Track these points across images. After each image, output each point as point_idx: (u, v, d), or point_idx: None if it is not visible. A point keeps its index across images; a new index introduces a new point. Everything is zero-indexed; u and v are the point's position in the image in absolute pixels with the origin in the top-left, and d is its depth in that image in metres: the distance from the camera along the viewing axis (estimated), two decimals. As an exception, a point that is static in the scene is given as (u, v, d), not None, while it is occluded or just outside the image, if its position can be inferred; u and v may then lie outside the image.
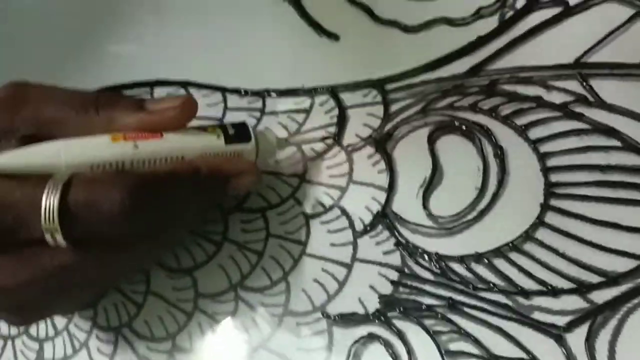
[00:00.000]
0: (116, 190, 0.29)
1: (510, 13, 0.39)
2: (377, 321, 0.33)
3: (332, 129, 0.39)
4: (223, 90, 0.43)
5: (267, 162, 0.38)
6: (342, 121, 0.39)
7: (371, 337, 0.33)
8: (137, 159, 0.32)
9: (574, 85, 0.36)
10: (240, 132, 0.35)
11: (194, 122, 0.35)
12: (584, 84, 0.35)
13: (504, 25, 0.39)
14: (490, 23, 0.39)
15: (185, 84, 0.45)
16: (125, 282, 0.39)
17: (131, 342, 0.38)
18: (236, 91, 0.43)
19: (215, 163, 0.34)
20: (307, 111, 0.41)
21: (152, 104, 0.33)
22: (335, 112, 0.40)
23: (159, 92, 0.45)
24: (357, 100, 0.40)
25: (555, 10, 0.38)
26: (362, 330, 0.33)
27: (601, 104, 0.34)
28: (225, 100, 0.43)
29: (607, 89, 0.35)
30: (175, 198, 0.33)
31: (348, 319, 0.34)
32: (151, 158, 0.32)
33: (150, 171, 0.32)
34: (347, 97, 0.40)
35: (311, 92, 0.41)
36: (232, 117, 0.42)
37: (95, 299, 0.40)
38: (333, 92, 0.40)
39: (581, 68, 0.36)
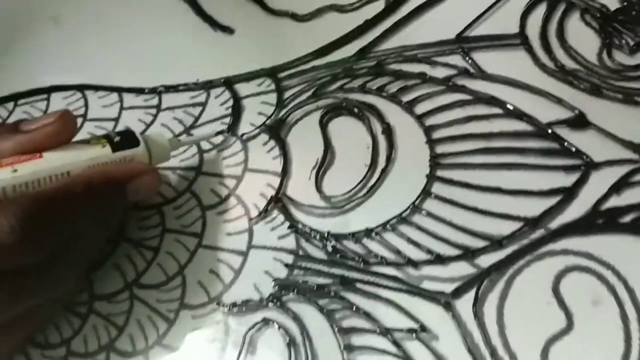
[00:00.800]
0: (2, 218, 0.27)
1: (396, -4, 0.40)
2: (271, 305, 0.32)
3: (228, 120, 0.39)
4: (119, 90, 0.43)
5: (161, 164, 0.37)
6: (237, 111, 0.39)
7: (266, 322, 0.32)
8: (18, 183, 0.29)
9: (456, 60, 0.36)
10: (126, 139, 0.33)
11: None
12: (466, 57, 0.36)
13: (390, 8, 0.39)
14: (377, 7, 0.40)
15: (81, 87, 0.44)
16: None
17: (25, 350, 0.36)
18: (132, 90, 0.42)
19: (105, 171, 0.32)
20: (203, 104, 0.40)
21: (27, 125, 0.31)
22: (230, 103, 0.40)
23: (56, 97, 0.45)
24: (251, 90, 0.40)
25: (438, -10, 0.39)
26: (258, 316, 0.32)
27: (482, 75, 0.35)
28: (121, 100, 0.43)
29: (488, 60, 0.36)
30: (71, 212, 0.30)
31: (243, 307, 0.33)
32: (34, 179, 0.30)
33: (37, 191, 0.30)
34: (241, 88, 0.40)
35: (206, 85, 0.41)
36: (128, 116, 0.42)
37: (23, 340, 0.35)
38: (228, 83, 0.40)
39: (462, 42, 0.36)
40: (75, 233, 0.31)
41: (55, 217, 0.30)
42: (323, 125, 0.37)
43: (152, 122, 0.41)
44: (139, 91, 0.42)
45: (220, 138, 0.38)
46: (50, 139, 0.31)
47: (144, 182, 0.33)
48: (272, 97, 0.39)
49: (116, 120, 0.42)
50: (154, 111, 0.41)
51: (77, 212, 0.31)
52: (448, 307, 0.29)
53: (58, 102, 0.45)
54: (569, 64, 0.34)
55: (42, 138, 0.31)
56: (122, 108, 0.42)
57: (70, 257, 0.32)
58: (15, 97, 0.46)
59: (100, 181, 0.31)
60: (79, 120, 0.43)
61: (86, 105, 0.44)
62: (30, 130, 0.31)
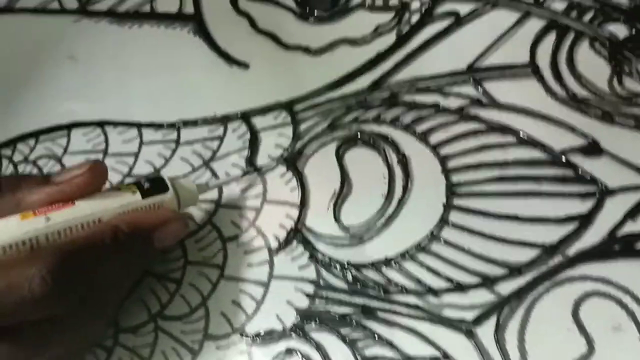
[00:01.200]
0: (34, 268, 0.27)
1: (407, 28, 0.41)
2: (294, 335, 0.33)
3: (245, 153, 0.40)
4: (138, 125, 0.44)
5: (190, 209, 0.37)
6: (254, 144, 0.40)
7: (289, 352, 0.32)
8: (51, 232, 0.30)
9: (468, 90, 0.37)
10: (156, 185, 0.34)
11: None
12: (478, 87, 0.37)
13: (401, 40, 0.40)
14: (389, 40, 0.41)
15: (101, 124, 0.45)
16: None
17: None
18: (151, 125, 0.43)
19: (134, 218, 0.32)
20: (221, 138, 0.41)
21: (58, 176, 0.32)
22: (248, 136, 0.41)
23: (76, 133, 0.46)
24: (268, 122, 0.41)
25: (448, 22, 0.40)
26: (281, 346, 0.33)
27: (494, 104, 0.36)
28: (140, 135, 0.44)
29: (500, 89, 0.36)
30: (100, 262, 0.31)
31: (266, 337, 0.33)
32: (66, 227, 0.30)
33: (67, 241, 0.30)
34: (258, 121, 0.41)
35: (224, 119, 0.42)
36: (148, 151, 0.43)
37: None
38: (245, 117, 0.41)
39: (474, 72, 0.37)
40: (103, 282, 0.31)
41: (85, 267, 0.30)
42: (339, 157, 0.38)
43: (171, 156, 0.42)
44: (158, 126, 0.43)
45: (238, 171, 0.39)
46: (80, 190, 0.32)
47: (171, 230, 0.33)
48: (289, 130, 0.40)
49: (136, 155, 0.43)
50: (173, 145, 0.42)
51: (105, 262, 0.31)
52: (470, 334, 0.30)
53: (78, 138, 0.46)
54: (580, 91, 0.35)
55: (73, 189, 0.32)
56: (141, 143, 0.43)
57: (96, 305, 0.32)
58: (36, 134, 0.47)
59: (128, 230, 0.31)
60: (100, 156, 0.44)
61: (106, 140, 0.45)
62: (61, 181, 0.32)
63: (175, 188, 0.35)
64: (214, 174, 0.40)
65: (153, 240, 0.33)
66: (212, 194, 0.39)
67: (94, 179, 0.32)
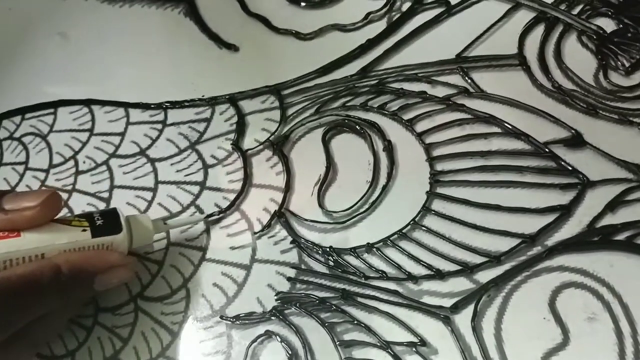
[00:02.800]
0: None
1: (397, 16, 0.40)
2: (274, 318, 0.33)
3: (232, 136, 0.40)
4: (125, 105, 0.44)
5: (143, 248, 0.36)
6: (241, 127, 0.40)
7: (269, 335, 0.33)
8: None
9: (456, 79, 0.37)
10: (109, 222, 0.32)
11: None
12: (465, 77, 0.37)
13: (391, 28, 0.40)
14: (379, 27, 0.41)
15: (88, 102, 0.45)
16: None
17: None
18: (138, 105, 0.43)
19: (78, 259, 0.31)
20: (208, 120, 0.41)
21: (10, 203, 0.30)
22: (235, 119, 0.40)
23: (62, 111, 0.45)
24: (255, 106, 0.41)
25: (438, 11, 0.40)
26: (261, 329, 0.33)
27: (481, 95, 0.36)
28: (127, 115, 0.43)
29: (487, 79, 0.36)
30: (36, 299, 0.30)
31: (246, 320, 0.33)
32: (7, 259, 0.29)
33: (3, 275, 0.29)
34: (246, 105, 0.41)
35: (211, 102, 0.42)
36: (134, 131, 0.43)
37: None
38: (232, 100, 0.41)
39: (462, 62, 0.37)
40: (37, 317, 0.30)
41: (20, 302, 0.29)
42: (325, 142, 0.38)
43: (157, 137, 0.42)
44: (145, 107, 0.43)
45: (222, 152, 0.39)
46: (29, 223, 0.30)
47: (114, 275, 0.32)
48: (276, 114, 0.40)
49: (122, 135, 0.43)
50: (159, 126, 0.42)
51: (41, 299, 0.30)
52: (447, 321, 0.30)
53: (65, 116, 0.45)
54: (566, 84, 0.35)
55: (22, 220, 0.30)
56: (128, 123, 0.43)
57: (27, 338, 0.31)
58: (22, 111, 0.46)
59: (69, 272, 0.30)
60: (86, 135, 0.44)
61: (93, 119, 0.44)
62: (11, 209, 0.30)
63: (130, 226, 0.33)
64: (200, 156, 0.40)
65: (94, 284, 0.32)
66: (197, 176, 0.39)
67: (45, 213, 0.31)
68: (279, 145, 0.38)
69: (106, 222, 0.32)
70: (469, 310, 0.30)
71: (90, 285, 0.32)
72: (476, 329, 0.30)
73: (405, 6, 0.41)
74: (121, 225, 0.33)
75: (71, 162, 0.43)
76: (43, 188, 0.41)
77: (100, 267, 0.32)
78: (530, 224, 0.31)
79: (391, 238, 0.33)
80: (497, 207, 0.32)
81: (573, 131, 0.33)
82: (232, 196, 0.38)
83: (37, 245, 0.30)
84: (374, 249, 0.33)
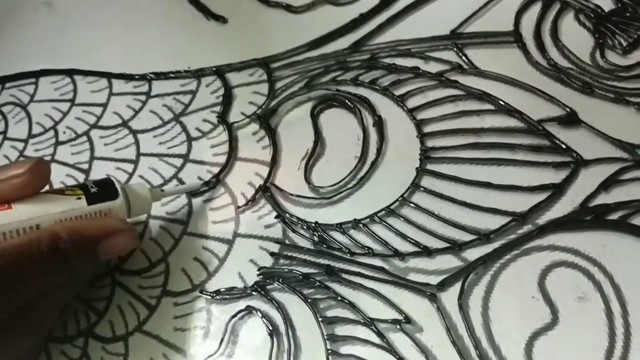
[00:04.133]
0: None
1: (391, -10, 0.39)
2: (255, 294, 0.32)
3: (218, 108, 0.39)
4: (109, 76, 0.42)
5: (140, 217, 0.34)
6: (227, 100, 0.39)
7: (250, 311, 0.31)
8: None
9: (450, 55, 0.36)
10: (104, 190, 0.31)
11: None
12: (459, 53, 0.36)
13: (385, 2, 0.39)
14: (372, 1, 0.40)
15: (70, 72, 0.44)
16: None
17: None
18: (122, 76, 0.42)
19: (76, 225, 0.29)
20: (194, 92, 0.40)
21: None
22: (221, 92, 0.39)
23: (44, 81, 0.44)
24: (243, 79, 0.39)
25: (433, -14, 0.39)
26: (241, 304, 0.32)
27: (475, 71, 0.35)
28: (110, 86, 0.42)
29: (481, 56, 0.36)
30: (36, 272, 0.28)
31: (226, 295, 0.32)
32: (0, 232, 0.28)
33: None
34: (233, 77, 0.40)
35: (197, 73, 0.40)
36: (117, 102, 0.41)
37: None
38: (219, 72, 0.40)
39: (456, 38, 0.36)
40: (39, 292, 0.29)
41: (18, 276, 0.27)
42: (314, 117, 0.37)
43: (140, 109, 0.40)
44: (129, 77, 0.42)
45: (208, 125, 0.38)
46: (19, 192, 0.29)
47: (117, 242, 0.30)
48: (264, 87, 0.39)
49: (104, 106, 0.41)
50: (143, 98, 0.41)
51: (41, 272, 0.28)
52: (433, 299, 0.29)
53: (46, 86, 0.44)
54: (562, 62, 0.34)
55: (11, 190, 0.28)
56: (111, 94, 0.42)
57: (32, 319, 0.29)
58: (2, 80, 0.45)
59: (69, 239, 0.29)
60: (67, 105, 0.42)
61: (75, 90, 0.43)
62: None
63: (126, 194, 0.32)
64: (184, 129, 0.39)
65: (97, 252, 0.30)
66: (181, 149, 0.38)
67: (34, 180, 0.29)
68: (266, 119, 0.37)
69: (101, 189, 0.31)
70: (455, 288, 0.29)
71: (93, 253, 0.30)
72: (463, 307, 0.29)
73: (400, -19, 0.40)
74: (117, 191, 0.31)
75: (51, 133, 0.42)
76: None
77: (102, 232, 0.30)
78: (522, 202, 0.31)
79: (378, 214, 0.32)
80: (488, 185, 0.31)
81: (568, 109, 0.32)
82: (216, 169, 0.37)
83: (30, 217, 0.28)
84: (361, 225, 0.32)
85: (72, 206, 0.30)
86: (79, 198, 0.30)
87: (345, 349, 0.29)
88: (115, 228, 0.30)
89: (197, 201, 0.36)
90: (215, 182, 0.36)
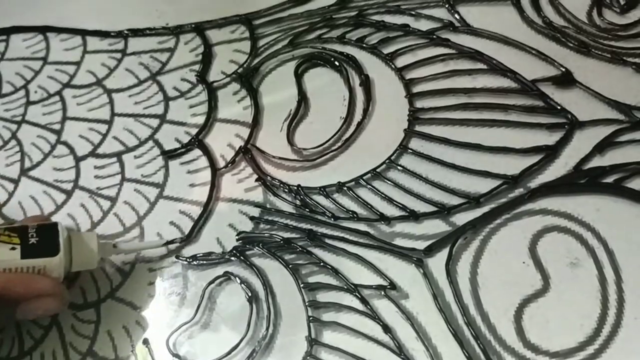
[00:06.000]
0: None
1: (381, -55, 0.37)
2: (234, 259, 0.30)
3: (197, 67, 0.37)
4: (83, 33, 0.40)
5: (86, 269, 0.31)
6: (207, 59, 0.37)
7: (228, 277, 0.30)
8: None
9: (441, 13, 0.34)
10: (45, 241, 0.28)
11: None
12: (451, 10, 0.34)
13: (374, -43, 0.37)
14: (361, -44, 0.38)
15: (43, 29, 0.41)
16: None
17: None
18: (97, 33, 0.40)
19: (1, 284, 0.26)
20: (172, 50, 0.38)
21: None
22: (201, 49, 0.37)
23: (15, 39, 0.42)
24: (224, 37, 0.38)
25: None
26: (219, 270, 0.30)
27: (467, 29, 0.33)
28: (85, 44, 0.40)
29: (474, 14, 0.34)
30: None
31: (203, 260, 0.31)
32: None
33: None
34: (213, 34, 0.38)
35: (176, 30, 0.38)
36: (91, 60, 0.39)
37: None
38: (199, 29, 0.38)
39: (448, -5, 0.35)
40: None
41: None
42: (298, 76, 0.35)
43: (115, 67, 0.38)
44: (104, 35, 0.40)
45: (186, 84, 0.36)
46: None
47: (39, 306, 0.27)
48: (246, 45, 0.37)
49: (78, 64, 0.39)
50: (118, 55, 0.39)
51: None
52: (420, 264, 0.28)
53: (18, 43, 0.42)
54: (558, 21, 0.33)
55: None
56: (85, 52, 0.40)
57: None
58: (-29, 37, 0.43)
59: None
60: (39, 64, 0.40)
61: (47, 48, 0.41)
62: None
63: (70, 247, 0.29)
64: (161, 88, 0.37)
65: (15, 313, 0.27)
66: (157, 109, 0.36)
67: None
68: (248, 78, 0.35)
69: (42, 240, 0.28)
70: (443, 254, 0.28)
71: (10, 313, 0.27)
72: (450, 273, 0.27)
73: None
74: (58, 246, 0.28)
75: (22, 92, 0.40)
76: None
77: (23, 295, 0.27)
78: (513, 165, 0.29)
79: (364, 177, 0.31)
80: (479, 147, 0.30)
81: (563, 69, 0.31)
82: (194, 131, 0.35)
83: None
84: (345, 189, 0.31)
85: (3, 257, 0.27)
86: (14, 248, 0.27)
87: (327, 316, 0.28)
88: (42, 292, 0.27)
89: (174, 164, 0.34)
90: (181, 240, 0.32)
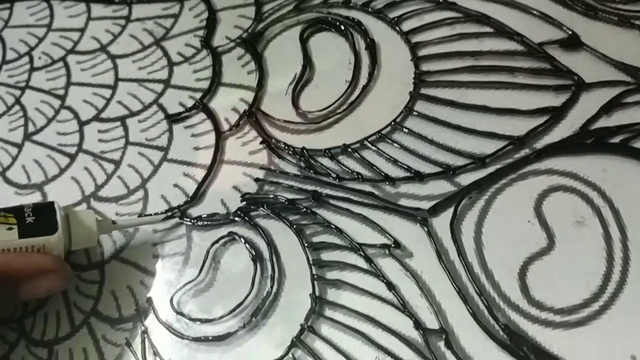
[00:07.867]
0: None
1: None
2: (238, 220, 0.30)
3: (202, 32, 0.37)
4: (87, 0, 0.40)
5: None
6: (212, 24, 0.37)
7: (232, 237, 0.30)
8: None
9: (447, -23, 0.34)
10: (42, 220, 0.27)
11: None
12: (458, -26, 0.34)
13: None
14: None
15: (47, -5, 0.41)
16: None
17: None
18: (101, 0, 0.40)
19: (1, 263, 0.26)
20: (176, 16, 0.38)
21: None
22: (205, 15, 0.37)
23: (19, 6, 0.42)
24: (228, 2, 0.37)
25: None
26: (223, 231, 0.30)
27: (474, -7, 0.33)
28: (89, 10, 0.40)
29: (480, -22, 0.34)
30: None
31: (207, 221, 0.31)
32: None
33: None
34: (218, 0, 0.38)
35: (180, -4, 0.38)
36: (95, 26, 0.39)
37: None
38: (203, -5, 0.38)
39: (455, -41, 0.34)
40: None
41: None
42: (303, 41, 0.35)
43: (120, 34, 0.38)
44: (108, 1, 0.40)
45: (190, 49, 0.36)
46: None
47: (42, 284, 0.27)
48: (250, 10, 0.37)
49: (82, 31, 0.39)
50: (123, 22, 0.39)
51: None
52: (424, 223, 0.28)
53: (21, 11, 0.42)
54: (565, -16, 0.32)
55: None
56: (89, 18, 0.40)
57: None
58: (-26, 4, 0.43)
59: None
60: (43, 30, 0.40)
61: (51, 15, 0.41)
62: None
63: (68, 225, 0.28)
64: (165, 54, 0.37)
65: (17, 291, 0.27)
66: (162, 74, 0.36)
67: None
68: (252, 43, 0.35)
69: (39, 219, 0.27)
70: (448, 213, 0.28)
71: (14, 293, 0.26)
72: (455, 232, 0.27)
73: None
74: (57, 224, 0.27)
75: (26, 59, 0.40)
76: None
77: (26, 272, 0.26)
78: (519, 126, 0.29)
79: (369, 139, 0.31)
80: (485, 109, 0.30)
81: (570, 32, 0.31)
82: (198, 95, 0.35)
83: None
84: (350, 150, 0.31)
85: (1, 237, 0.26)
86: (10, 228, 0.27)
87: (331, 275, 0.28)
88: (43, 268, 0.27)
89: (178, 127, 0.34)
90: (179, 215, 0.31)
